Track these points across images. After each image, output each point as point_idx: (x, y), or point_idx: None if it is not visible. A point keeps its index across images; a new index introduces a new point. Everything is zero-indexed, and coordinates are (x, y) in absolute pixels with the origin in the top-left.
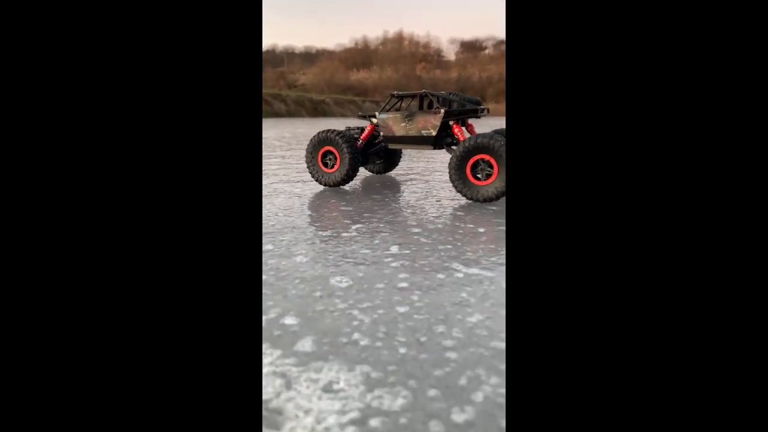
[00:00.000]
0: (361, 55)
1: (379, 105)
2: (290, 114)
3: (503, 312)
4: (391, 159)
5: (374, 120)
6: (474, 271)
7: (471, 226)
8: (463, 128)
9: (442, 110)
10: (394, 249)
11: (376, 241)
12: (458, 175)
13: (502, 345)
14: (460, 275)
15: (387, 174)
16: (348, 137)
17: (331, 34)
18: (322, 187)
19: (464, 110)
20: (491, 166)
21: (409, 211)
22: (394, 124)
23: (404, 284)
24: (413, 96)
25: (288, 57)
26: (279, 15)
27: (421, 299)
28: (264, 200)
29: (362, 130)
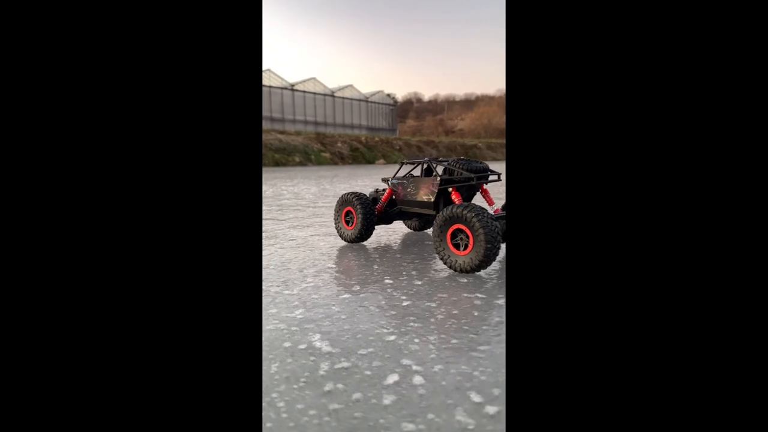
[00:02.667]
0: None
1: None
2: None
3: None
4: (426, 218)
5: (389, 185)
6: None
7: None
8: (475, 194)
9: (439, 178)
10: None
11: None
12: (438, 243)
13: None
14: None
15: (425, 231)
16: (363, 199)
17: (491, 81)
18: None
19: (460, 179)
20: (468, 237)
21: (389, 297)
22: (402, 189)
23: None
24: (419, 163)
25: (448, 105)
26: (442, 66)
27: None
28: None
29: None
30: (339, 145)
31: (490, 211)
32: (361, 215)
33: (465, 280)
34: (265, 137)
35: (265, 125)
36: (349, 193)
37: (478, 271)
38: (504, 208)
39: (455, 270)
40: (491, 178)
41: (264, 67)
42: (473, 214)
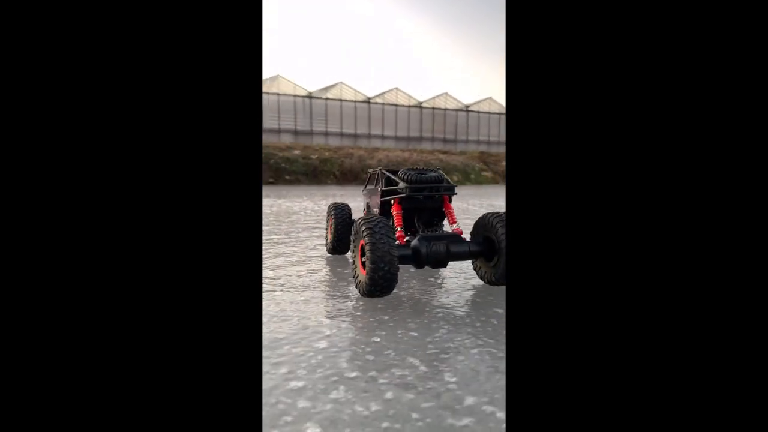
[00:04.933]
0: None
1: None
2: None
3: None
4: None
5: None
6: None
7: None
8: (437, 208)
9: (380, 189)
10: None
11: None
12: (352, 259)
13: None
14: None
15: None
16: (340, 210)
17: None
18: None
19: (400, 189)
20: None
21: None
22: (366, 200)
23: None
24: (375, 173)
25: None
26: None
27: None
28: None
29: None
30: (503, 164)
31: (448, 229)
32: (333, 226)
33: (364, 304)
34: (427, 157)
35: (437, 146)
36: (332, 203)
37: (372, 297)
38: (475, 226)
39: (359, 292)
40: (450, 192)
41: (441, 91)
42: (365, 228)
